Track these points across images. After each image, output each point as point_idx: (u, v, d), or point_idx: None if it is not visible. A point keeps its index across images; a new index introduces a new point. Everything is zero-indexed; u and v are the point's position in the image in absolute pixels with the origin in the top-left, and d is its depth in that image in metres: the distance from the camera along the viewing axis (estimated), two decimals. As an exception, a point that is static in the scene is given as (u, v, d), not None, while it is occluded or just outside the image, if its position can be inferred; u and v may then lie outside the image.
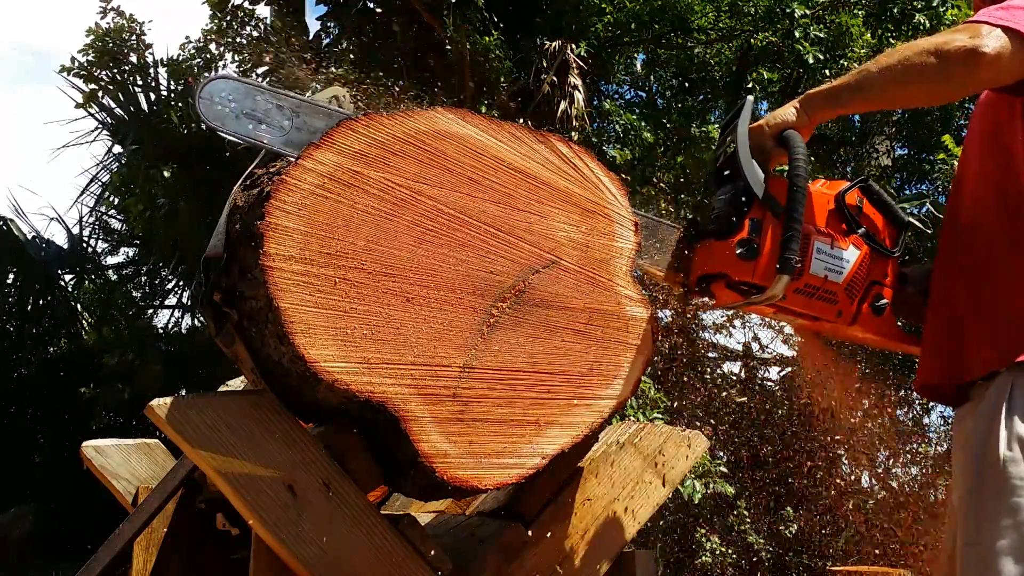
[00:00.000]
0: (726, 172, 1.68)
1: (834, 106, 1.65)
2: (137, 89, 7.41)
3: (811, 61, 6.52)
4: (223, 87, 1.46)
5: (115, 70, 7.08)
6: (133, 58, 7.12)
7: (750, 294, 1.65)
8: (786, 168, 1.62)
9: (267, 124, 1.48)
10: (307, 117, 1.51)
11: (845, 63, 6.68)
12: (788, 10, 6.56)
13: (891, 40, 6.70)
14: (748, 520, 5.88)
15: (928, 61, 1.48)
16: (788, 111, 1.63)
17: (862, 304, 1.72)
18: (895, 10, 6.67)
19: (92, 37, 6.85)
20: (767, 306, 1.68)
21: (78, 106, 7.47)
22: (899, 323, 1.83)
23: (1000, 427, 1.44)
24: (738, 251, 1.63)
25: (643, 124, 6.77)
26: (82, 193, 8.18)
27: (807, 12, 6.62)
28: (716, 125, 6.52)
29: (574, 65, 6.54)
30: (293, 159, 1.48)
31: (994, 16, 1.49)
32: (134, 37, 7.06)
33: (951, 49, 1.47)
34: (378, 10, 7.06)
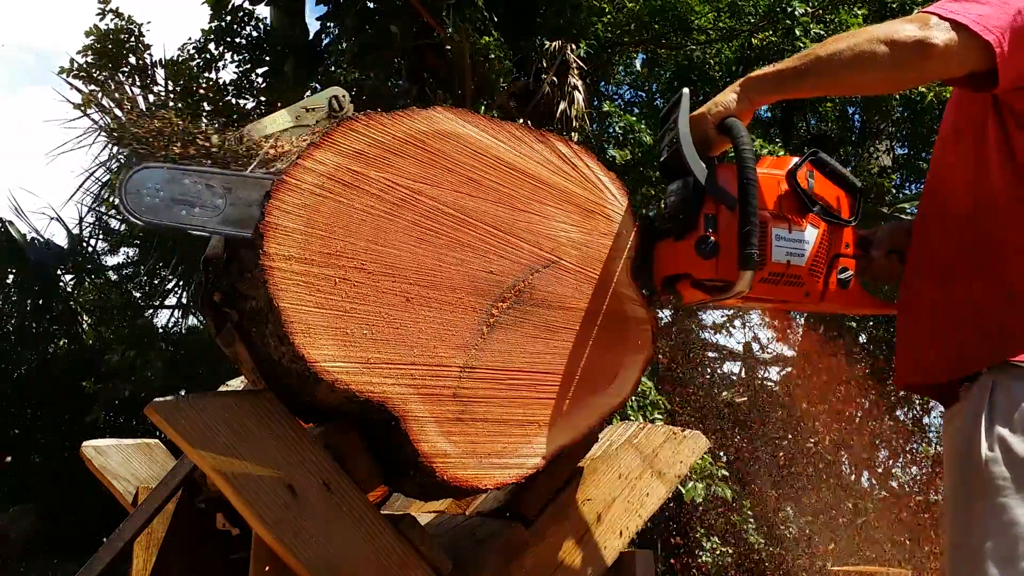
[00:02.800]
0: (672, 167, 1.66)
1: (777, 91, 1.63)
2: (136, 90, 7.41)
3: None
4: (148, 177, 1.40)
5: (114, 71, 7.08)
6: (132, 59, 7.13)
7: (716, 291, 1.64)
8: (732, 153, 1.60)
9: (200, 207, 1.43)
10: (240, 191, 1.46)
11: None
12: (789, 9, 6.56)
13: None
14: (750, 520, 5.88)
15: (878, 49, 1.47)
16: (729, 97, 1.60)
17: (828, 280, 1.71)
18: (894, 6, 6.68)
19: (91, 38, 6.85)
20: (735, 299, 1.67)
21: (76, 107, 7.48)
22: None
23: (982, 428, 1.44)
24: (697, 250, 1.60)
25: (642, 126, 6.77)
26: (75, 192, 8.21)
27: (808, 10, 6.63)
28: None
29: (574, 65, 6.54)
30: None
31: (946, 8, 1.48)
32: (133, 38, 7.06)
33: (901, 38, 1.46)
34: (378, 10, 7.06)
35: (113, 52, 6.93)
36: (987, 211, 1.54)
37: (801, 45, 6.57)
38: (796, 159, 1.71)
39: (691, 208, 1.62)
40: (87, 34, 6.85)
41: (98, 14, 6.91)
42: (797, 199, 1.67)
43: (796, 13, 6.52)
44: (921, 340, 1.64)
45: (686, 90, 1.66)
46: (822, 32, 6.73)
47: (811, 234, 1.67)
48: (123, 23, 7.01)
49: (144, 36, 7.12)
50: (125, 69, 7.13)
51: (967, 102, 1.61)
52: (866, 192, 1.82)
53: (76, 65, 6.91)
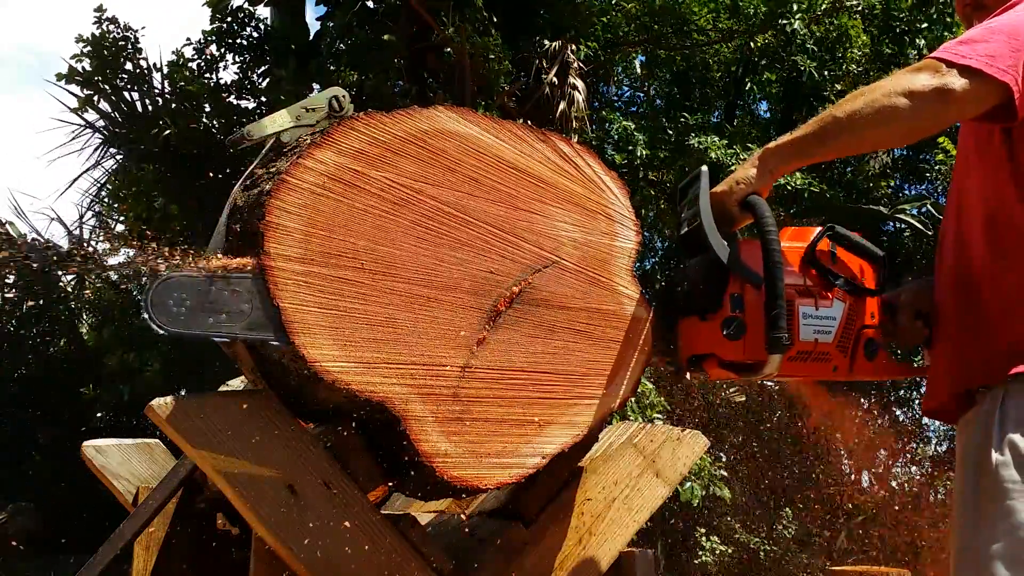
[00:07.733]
0: (693, 242, 1.64)
1: (798, 158, 1.62)
2: (133, 94, 7.41)
3: (809, 71, 6.56)
4: (173, 286, 1.39)
5: (110, 76, 7.08)
6: (128, 65, 7.13)
7: (743, 370, 1.63)
8: (752, 223, 1.59)
9: (226, 313, 1.42)
10: (267, 296, 1.44)
11: (844, 64, 6.71)
12: (786, 22, 6.57)
13: (888, 44, 6.73)
14: (741, 522, 5.88)
15: (898, 102, 1.47)
16: (749, 172, 1.59)
17: (855, 353, 1.69)
18: (898, 28, 6.69)
19: (86, 45, 6.86)
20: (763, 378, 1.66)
21: (73, 111, 7.49)
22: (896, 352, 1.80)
23: (993, 433, 1.47)
24: (724, 331, 1.59)
25: (639, 136, 6.76)
26: (66, 189, 8.26)
27: (805, 26, 6.64)
28: (713, 137, 6.53)
29: (574, 65, 6.54)
30: (289, 164, 1.48)
31: (953, 53, 1.49)
32: (129, 45, 7.07)
33: (918, 88, 1.47)
34: (377, 10, 7.07)
35: (109, 58, 6.95)
36: (996, 224, 1.56)
37: (797, 59, 6.59)
38: (814, 231, 1.69)
39: (715, 287, 1.60)
40: (79, 39, 6.86)
41: (94, 22, 6.93)
42: (820, 273, 1.65)
43: (795, 28, 6.52)
44: (941, 358, 1.66)
45: (705, 168, 1.65)
46: (820, 35, 6.74)
47: (837, 309, 1.65)
48: (119, 31, 7.02)
49: (140, 42, 7.15)
50: (124, 76, 7.15)
51: (978, 126, 1.62)
52: (891, 259, 1.78)
53: (71, 69, 6.92)
